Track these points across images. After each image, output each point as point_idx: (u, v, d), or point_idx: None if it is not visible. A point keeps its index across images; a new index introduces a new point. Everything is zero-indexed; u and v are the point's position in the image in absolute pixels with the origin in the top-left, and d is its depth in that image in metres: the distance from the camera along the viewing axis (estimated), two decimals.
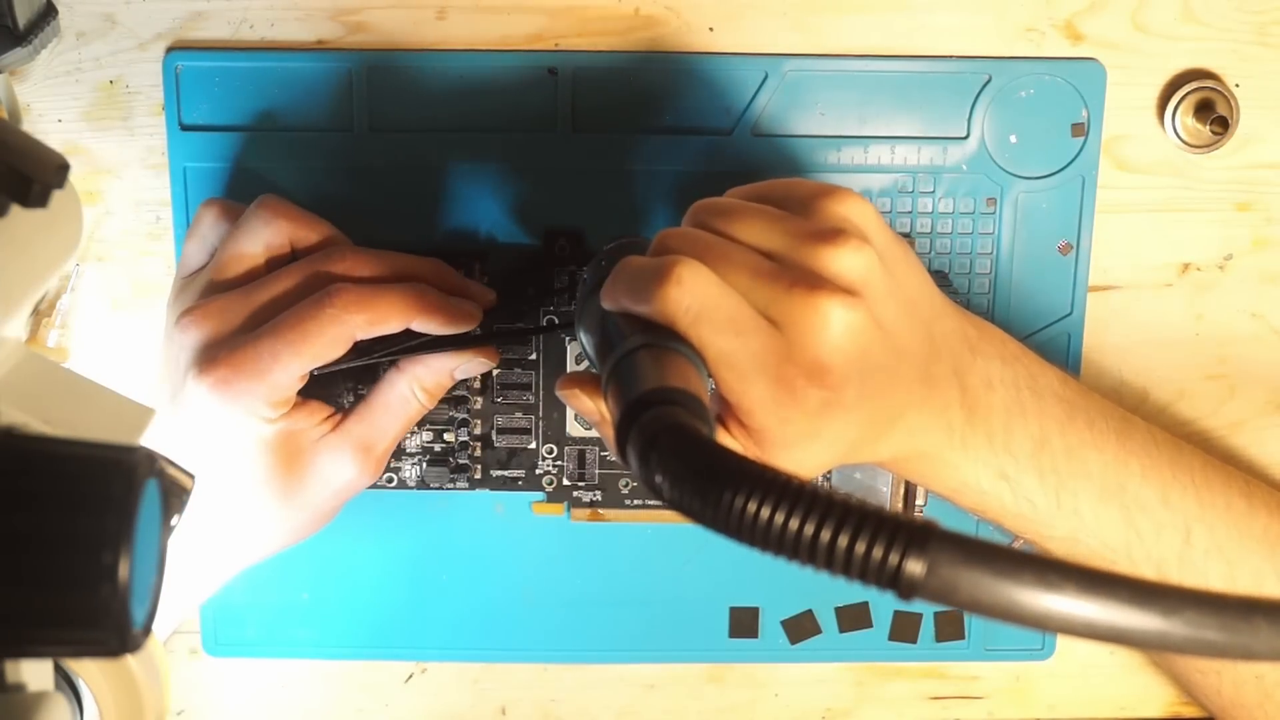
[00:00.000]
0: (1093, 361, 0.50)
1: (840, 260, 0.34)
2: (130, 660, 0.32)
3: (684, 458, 0.28)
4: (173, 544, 0.28)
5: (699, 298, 0.34)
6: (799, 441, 0.35)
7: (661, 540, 0.50)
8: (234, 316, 0.42)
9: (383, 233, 0.48)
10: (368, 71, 0.47)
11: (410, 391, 0.45)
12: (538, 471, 0.50)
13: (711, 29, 0.47)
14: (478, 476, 0.49)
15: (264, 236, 0.43)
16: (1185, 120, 0.48)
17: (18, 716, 0.26)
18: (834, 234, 0.35)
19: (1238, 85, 0.48)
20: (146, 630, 0.26)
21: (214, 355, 0.41)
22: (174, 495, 0.31)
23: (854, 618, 0.51)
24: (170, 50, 0.47)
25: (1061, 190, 0.48)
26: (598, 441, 0.50)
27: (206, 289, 0.43)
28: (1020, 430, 0.40)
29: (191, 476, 0.32)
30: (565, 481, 0.50)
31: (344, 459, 0.44)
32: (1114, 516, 0.41)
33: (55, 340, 0.48)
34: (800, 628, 0.51)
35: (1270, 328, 0.50)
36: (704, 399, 0.31)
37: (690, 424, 0.29)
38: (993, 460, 0.39)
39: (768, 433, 0.35)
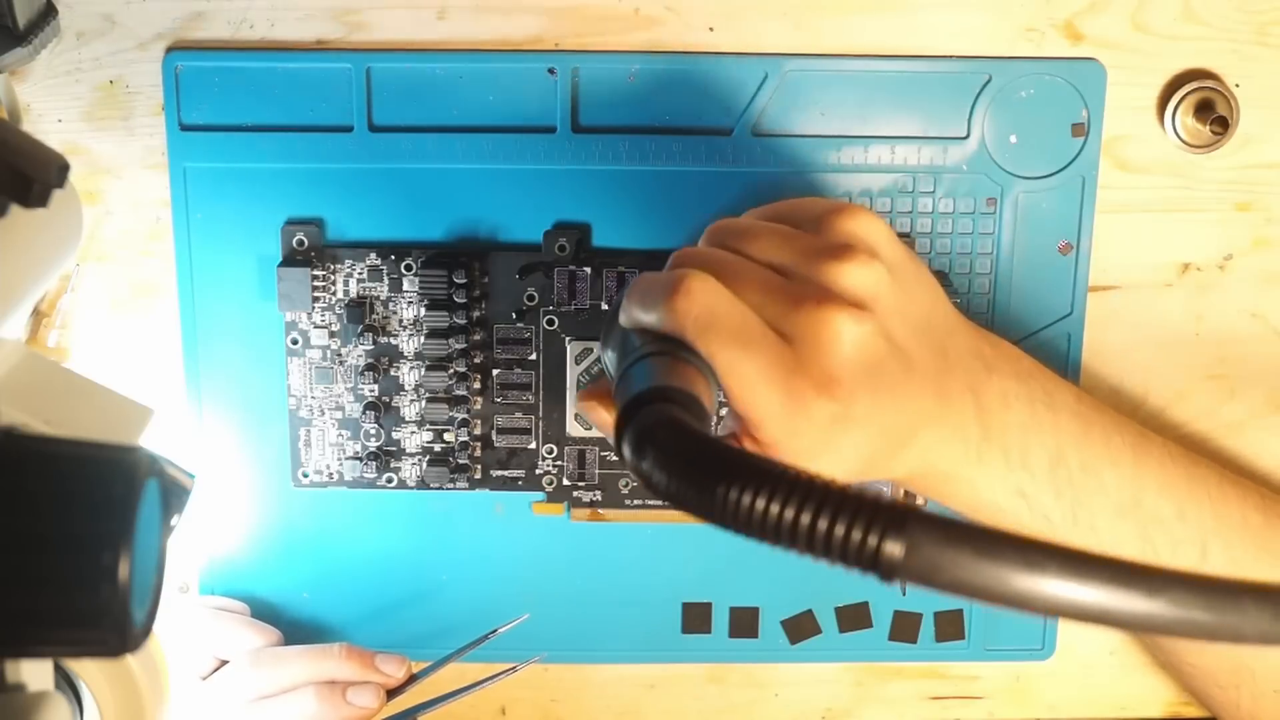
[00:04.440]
0: (1092, 361, 0.50)
1: (849, 275, 0.35)
2: (130, 660, 0.32)
3: (673, 447, 0.29)
4: None
5: (707, 308, 0.34)
6: (810, 455, 0.35)
7: (661, 540, 0.50)
8: None
9: (383, 233, 0.48)
10: (368, 71, 0.47)
11: None
12: (538, 471, 0.50)
13: (711, 29, 0.47)
14: (478, 476, 0.49)
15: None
16: (1185, 120, 0.48)
17: (18, 716, 0.26)
18: (843, 249, 0.36)
19: (1238, 85, 0.48)
20: (146, 630, 0.26)
21: None
22: (174, 495, 0.31)
23: (854, 618, 0.51)
24: (170, 50, 0.47)
25: (1061, 190, 0.48)
26: (598, 441, 0.50)
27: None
28: (1037, 446, 0.39)
29: (191, 476, 0.32)
30: (565, 481, 0.50)
31: None
32: (1130, 532, 0.41)
33: (55, 340, 0.48)
34: (800, 628, 0.51)
35: (1270, 328, 0.50)
36: (704, 402, 0.32)
37: (682, 417, 0.30)
38: (1009, 477, 0.39)
39: (778, 446, 0.35)
